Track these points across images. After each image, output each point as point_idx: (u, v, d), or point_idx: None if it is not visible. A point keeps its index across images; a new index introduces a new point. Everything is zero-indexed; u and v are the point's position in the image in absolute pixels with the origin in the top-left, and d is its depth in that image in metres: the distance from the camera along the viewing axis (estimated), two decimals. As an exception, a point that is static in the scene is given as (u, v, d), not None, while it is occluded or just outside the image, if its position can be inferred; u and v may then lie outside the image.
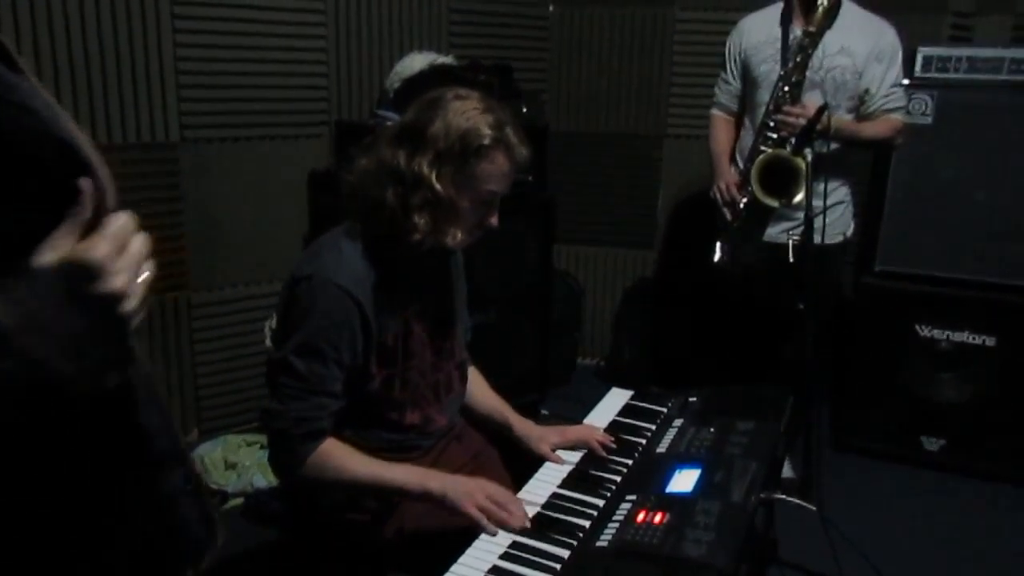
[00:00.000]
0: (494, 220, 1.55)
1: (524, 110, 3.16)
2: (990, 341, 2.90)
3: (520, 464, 1.67)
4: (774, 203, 2.49)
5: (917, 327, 2.98)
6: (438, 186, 1.44)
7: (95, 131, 2.66)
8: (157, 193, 2.83)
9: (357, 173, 1.52)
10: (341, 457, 1.48)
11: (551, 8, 3.67)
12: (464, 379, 1.75)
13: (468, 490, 1.41)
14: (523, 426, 1.73)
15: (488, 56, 3.31)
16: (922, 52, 2.84)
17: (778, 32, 2.55)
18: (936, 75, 2.83)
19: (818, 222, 2.37)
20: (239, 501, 2.66)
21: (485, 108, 1.46)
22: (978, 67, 2.80)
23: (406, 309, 1.55)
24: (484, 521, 1.36)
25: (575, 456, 1.62)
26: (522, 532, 1.35)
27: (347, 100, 3.19)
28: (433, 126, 1.44)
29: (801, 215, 2.39)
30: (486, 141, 1.43)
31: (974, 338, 2.92)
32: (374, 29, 3.20)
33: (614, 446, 1.63)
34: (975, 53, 2.83)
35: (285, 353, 1.45)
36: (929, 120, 2.85)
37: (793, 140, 2.42)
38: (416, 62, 3.06)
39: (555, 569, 1.24)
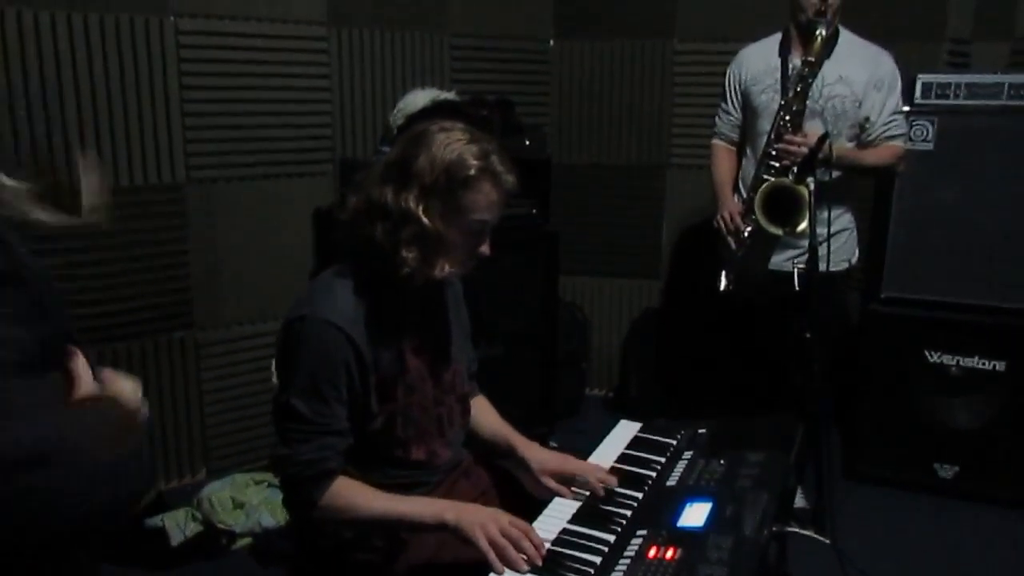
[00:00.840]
0: (485, 249, 1.54)
1: (527, 143, 3.19)
2: (1000, 366, 2.88)
3: (523, 502, 1.64)
4: (778, 231, 2.50)
5: (926, 353, 2.96)
6: (426, 220, 1.44)
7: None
8: (164, 234, 2.85)
9: (348, 212, 1.53)
10: (353, 495, 1.47)
11: (551, 43, 3.71)
12: (467, 412, 1.74)
13: (481, 520, 1.38)
14: (527, 449, 1.70)
15: (490, 91, 3.34)
16: (921, 79, 2.86)
17: (777, 62, 2.58)
18: (936, 101, 2.85)
19: (823, 249, 2.38)
20: (247, 540, 2.63)
21: (469, 139, 1.47)
22: (977, 93, 2.82)
23: (403, 344, 1.55)
24: (491, 556, 1.33)
25: (571, 508, 1.56)
26: (533, 570, 1.33)
27: (351, 137, 3.22)
28: (418, 161, 1.45)
29: (805, 243, 2.39)
30: (472, 172, 1.44)
31: (984, 363, 2.90)
32: (377, 66, 3.24)
33: (615, 487, 1.58)
34: (974, 79, 2.85)
35: (287, 398, 1.45)
36: (930, 146, 2.86)
37: (795, 169, 2.43)
38: (419, 98, 3.09)
39: (567, 607, 1.22)
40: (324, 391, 1.44)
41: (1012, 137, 2.81)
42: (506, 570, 1.33)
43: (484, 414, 1.81)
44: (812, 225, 2.36)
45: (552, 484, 1.62)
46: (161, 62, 2.74)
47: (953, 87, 2.84)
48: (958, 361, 2.93)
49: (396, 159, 1.50)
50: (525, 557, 1.34)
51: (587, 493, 1.59)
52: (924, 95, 2.85)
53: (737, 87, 2.72)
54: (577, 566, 1.33)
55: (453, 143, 1.45)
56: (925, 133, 2.86)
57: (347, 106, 3.19)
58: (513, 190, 1.51)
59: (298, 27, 3.00)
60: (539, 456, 1.68)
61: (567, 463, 1.64)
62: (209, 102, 2.86)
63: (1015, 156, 2.81)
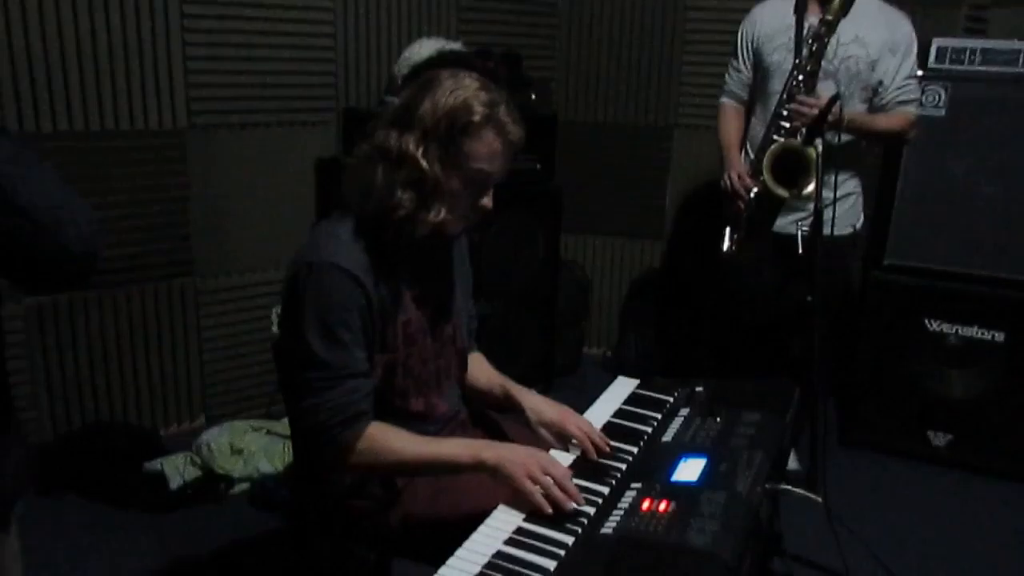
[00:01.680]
0: (487, 202, 1.51)
1: (533, 98, 3.15)
2: (999, 336, 2.88)
3: None
4: (785, 194, 2.48)
5: (926, 321, 2.96)
6: (424, 163, 1.42)
7: (103, 118, 2.66)
8: (164, 179, 2.83)
9: (355, 158, 1.52)
10: (388, 439, 1.46)
11: (561, -4, 3.65)
12: (464, 367, 1.74)
13: (523, 461, 1.38)
14: (524, 397, 1.69)
15: (497, 44, 3.30)
16: (937, 43, 2.82)
17: (791, 20, 2.53)
18: (950, 67, 2.80)
19: (828, 213, 2.36)
20: (245, 487, 2.66)
21: (479, 87, 1.44)
22: (993, 59, 2.77)
23: (405, 294, 1.54)
24: (537, 497, 1.34)
25: (567, 459, 1.55)
26: (528, 519, 1.34)
27: (355, 87, 3.18)
28: (423, 104, 1.43)
29: (811, 206, 2.37)
30: (475, 118, 1.41)
31: (983, 333, 2.90)
32: (382, 15, 3.19)
33: (608, 450, 1.57)
34: (990, 45, 2.80)
35: (303, 346, 1.43)
36: (942, 112, 2.83)
37: (804, 130, 2.40)
38: (424, 48, 3.05)
39: (559, 555, 1.23)
40: (340, 334, 1.42)
41: (1025, 106, 2.77)
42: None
43: (480, 367, 1.81)
44: (818, 188, 2.33)
45: (547, 437, 1.63)
46: (163, 7, 2.70)
47: (968, 53, 2.79)
48: (957, 330, 2.93)
49: (403, 103, 1.48)
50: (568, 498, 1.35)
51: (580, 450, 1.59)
52: (939, 59, 2.81)
53: (749, 45, 2.67)
54: (572, 516, 1.34)
55: (460, 89, 1.42)
56: (937, 99, 2.82)
57: (351, 55, 3.15)
58: (519, 144, 1.48)
59: (304, -28, 2.95)
60: (537, 405, 1.66)
61: (563, 416, 1.62)
62: (212, 46, 2.82)
63: (1027, 126, 2.78)
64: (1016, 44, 2.77)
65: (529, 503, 1.35)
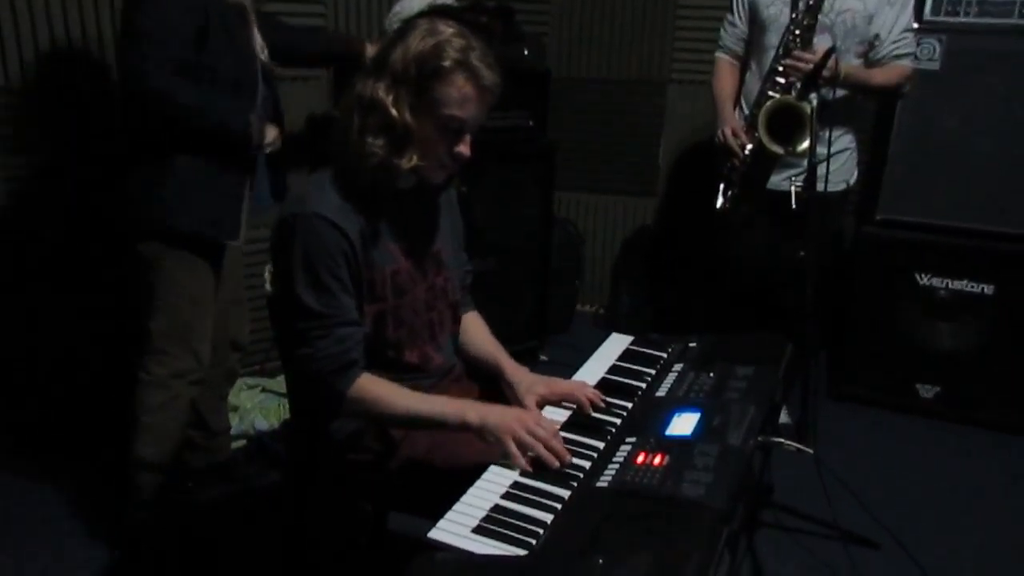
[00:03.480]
0: (464, 149, 1.50)
1: (526, 53, 3.11)
2: (988, 290, 2.91)
3: None
4: (779, 150, 2.47)
5: (916, 275, 2.98)
6: (393, 111, 1.42)
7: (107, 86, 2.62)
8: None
9: (339, 110, 1.53)
10: (379, 391, 1.49)
11: (554, -52, 3.59)
12: (457, 320, 1.75)
13: (507, 423, 1.39)
14: (514, 372, 1.69)
15: (489, -3, 3.24)
16: (932, -7, 2.79)
17: None
18: (945, 19, 2.77)
19: (821, 169, 2.35)
20: (241, 443, 2.69)
21: (452, 34, 1.43)
22: (989, 11, 2.75)
23: (391, 244, 1.55)
24: (521, 460, 1.35)
25: (562, 415, 1.57)
26: (524, 474, 1.35)
27: (345, 42, 3.13)
28: (395, 51, 1.43)
29: (805, 162, 2.36)
30: (445, 63, 1.40)
31: (973, 286, 2.93)
32: (373, -32, 3.13)
33: (603, 404, 1.58)
34: (987, -5, 2.77)
35: (293, 296, 1.45)
36: (936, 66, 2.81)
37: (799, 85, 2.39)
38: (415, 2, 2.98)
39: (556, 508, 1.26)
40: (328, 283, 1.44)
41: (1021, 59, 2.75)
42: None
43: (476, 331, 1.80)
44: (812, 144, 2.33)
45: (533, 407, 1.59)
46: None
47: (964, 3, 2.76)
48: (947, 284, 2.95)
49: (379, 51, 1.48)
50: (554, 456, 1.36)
51: (567, 414, 1.58)
52: (934, 11, 2.78)
53: None
54: (567, 471, 1.36)
55: (432, 36, 1.42)
56: (932, 52, 2.80)
57: (341, 9, 3.09)
58: (495, 90, 1.46)
59: (291, -77, 2.88)
60: (526, 379, 1.66)
61: (554, 386, 1.62)
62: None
63: (1022, 79, 2.76)
64: (1013, -6, 2.75)
65: (515, 464, 1.36)
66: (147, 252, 2.06)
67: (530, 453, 1.37)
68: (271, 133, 2.05)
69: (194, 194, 2.00)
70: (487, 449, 1.41)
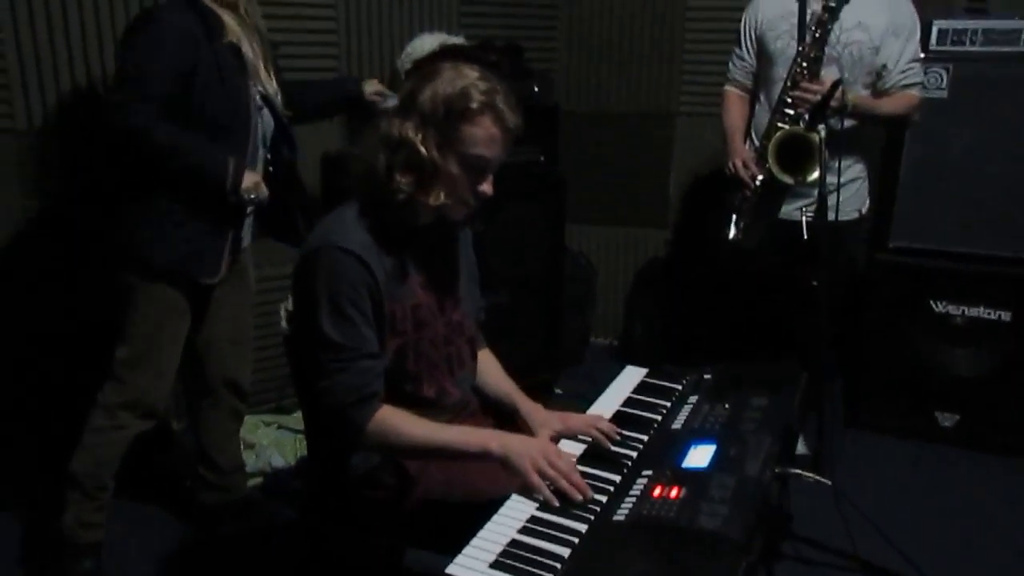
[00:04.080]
0: (487, 187, 1.54)
1: (535, 90, 3.15)
2: (1005, 316, 2.89)
3: None
4: (790, 180, 2.49)
5: (932, 303, 2.97)
6: (422, 149, 1.47)
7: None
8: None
9: (362, 148, 1.57)
10: (398, 422, 1.50)
11: (561, -13, 3.65)
12: (474, 356, 1.76)
13: (531, 454, 1.40)
14: (529, 408, 1.71)
15: (498, 36, 3.30)
16: (937, 25, 2.82)
17: (794, 7, 2.53)
18: (951, 48, 2.80)
19: (832, 199, 2.36)
20: (258, 480, 2.69)
21: (478, 77, 1.49)
22: (994, 39, 2.77)
23: (412, 278, 1.57)
24: (546, 492, 1.36)
25: (577, 449, 1.58)
26: (540, 508, 1.35)
27: (358, 82, 3.18)
28: (424, 92, 1.48)
29: (815, 192, 2.38)
30: (473, 105, 1.46)
31: (989, 313, 2.91)
32: (384, 10, 3.20)
33: (618, 437, 1.59)
34: (991, 25, 2.80)
35: (316, 329, 1.47)
36: (944, 94, 2.83)
37: (807, 116, 2.41)
38: (426, 43, 3.05)
39: (573, 543, 1.25)
40: (350, 314, 1.46)
41: (1027, 85, 2.77)
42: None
43: (489, 370, 1.82)
44: (822, 174, 2.34)
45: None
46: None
47: (969, 33, 2.79)
48: (963, 311, 2.94)
49: (406, 93, 1.53)
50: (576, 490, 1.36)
51: (582, 448, 1.59)
52: (940, 41, 2.80)
53: (752, 32, 2.67)
54: (585, 504, 1.36)
55: (459, 79, 1.48)
56: (939, 80, 2.82)
57: (354, 50, 3.15)
58: (517, 131, 1.52)
59: (305, -32, 2.95)
60: (541, 415, 1.68)
61: (569, 421, 1.64)
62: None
63: (1029, 105, 2.78)
64: (1017, 23, 2.77)
65: (538, 494, 1.36)
66: (123, 282, 2.10)
67: (551, 485, 1.37)
68: (250, 179, 2.04)
69: (172, 231, 2.04)
70: (504, 483, 1.41)
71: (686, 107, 3.64)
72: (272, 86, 2.14)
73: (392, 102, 1.83)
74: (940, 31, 2.81)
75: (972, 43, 2.79)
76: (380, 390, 1.51)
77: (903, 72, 2.54)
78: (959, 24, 2.82)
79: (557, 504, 1.35)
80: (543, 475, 1.38)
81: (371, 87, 2.49)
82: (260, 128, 2.12)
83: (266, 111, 2.13)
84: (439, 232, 1.63)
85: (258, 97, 2.11)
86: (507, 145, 1.53)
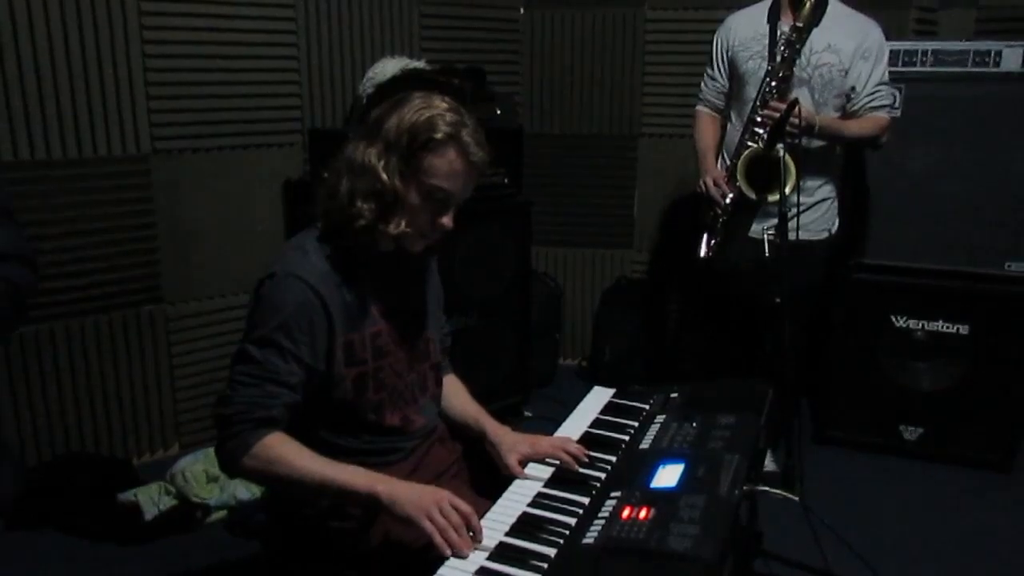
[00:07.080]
0: (446, 221, 1.52)
1: (498, 113, 3.17)
2: (964, 329, 2.94)
3: (493, 479, 1.61)
4: (753, 196, 2.52)
5: (892, 318, 3.02)
6: (384, 176, 1.46)
7: (65, 145, 2.63)
8: (129, 206, 2.80)
9: (327, 172, 1.55)
10: (286, 450, 1.42)
11: (522, 11, 3.68)
12: (439, 382, 1.74)
13: (421, 502, 1.33)
14: (496, 432, 1.68)
15: (460, 60, 3.31)
16: (889, 46, 2.88)
17: (765, 29, 2.57)
18: (903, 69, 2.87)
19: (803, 219, 2.38)
20: (223, 514, 2.63)
21: (446, 108, 1.48)
22: (944, 60, 2.85)
23: (372, 306, 1.55)
24: (437, 538, 1.29)
25: (545, 472, 1.56)
26: (509, 534, 1.34)
27: (320, 108, 3.17)
28: (390, 119, 1.48)
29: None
30: (437, 135, 1.44)
31: (948, 327, 2.96)
32: (345, 36, 3.20)
33: (586, 459, 1.57)
34: (940, 47, 2.87)
35: (244, 344, 1.45)
36: (897, 113, 2.89)
37: (765, 135, 2.44)
38: (388, 67, 3.06)
39: (543, 568, 1.24)
40: (280, 343, 1.43)
41: (976, 103, 2.84)
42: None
43: (456, 394, 1.79)
44: (782, 192, 2.37)
45: (517, 470, 1.58)
46: (123, 31, 2.68)
47: (920, 55, 2.87)
48: (923, 325, 2.98)
49: (374, 118, 1.52)
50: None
51: (549, 472, 1.57)
52: (892, 62, 2.86)
53: (724, 53, 2.70)
54: (552, 528, 1.35)
55: (427, 108, 1.47)
56: (893, 100, 2.88)
57: (315, 75, 3.14)
58: (482, 167, 1.51)
59: (264, -6, 2.94)
60: (509, 439, 1.65)
61: (536, 444, 1.61)
62: (174, 71, 2.80)
63: (980, 122, 2.85)
64: (965, 44, 2.86)
65: (435, 543, 1.29)
66: None
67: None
68: None
69: None
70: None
71: (648, 128, 3.68)
72: None
73: None
74: (892, 52, 2.86)
75: (923, 64, 2.87)
76: (281, 420, 1.44)
77: (871, 95, 2.58)
78: (910, 46, 2.89)
79: (448, 552, 1.27)
80: (435, 523, 1.31)
81: None
82: None
83: None
84: (402, 257, 1.60)
85: None
86: (471, 180, 1.51)
